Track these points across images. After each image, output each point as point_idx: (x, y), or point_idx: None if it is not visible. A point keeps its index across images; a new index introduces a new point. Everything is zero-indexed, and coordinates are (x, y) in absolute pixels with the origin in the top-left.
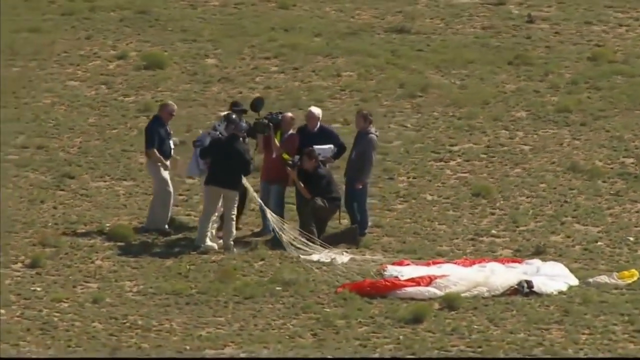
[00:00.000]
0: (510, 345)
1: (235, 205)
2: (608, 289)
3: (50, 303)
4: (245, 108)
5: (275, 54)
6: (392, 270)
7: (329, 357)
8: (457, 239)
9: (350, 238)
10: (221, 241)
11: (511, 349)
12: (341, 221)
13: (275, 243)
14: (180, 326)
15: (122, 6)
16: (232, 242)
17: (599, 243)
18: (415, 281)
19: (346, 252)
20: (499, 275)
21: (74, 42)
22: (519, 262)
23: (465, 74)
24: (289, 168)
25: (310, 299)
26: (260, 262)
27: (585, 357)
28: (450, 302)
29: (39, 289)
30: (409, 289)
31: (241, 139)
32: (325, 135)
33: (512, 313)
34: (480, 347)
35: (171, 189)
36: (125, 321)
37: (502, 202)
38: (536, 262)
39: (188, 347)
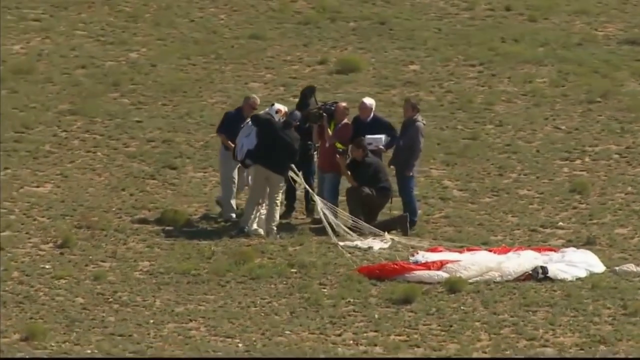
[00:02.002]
0: (483, 325)
1: (281, 191)
2: (631, 277)
3: (50, 280)
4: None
5: (483, 61)
6: (420, 255)
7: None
8: (518, 230)
9: (400, 225)
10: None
11: (481, 328)
12: (391, 210)
13: (323, 230)
14: (163, 302)
15: (366, 17)
16: (274, 227)
17: None
18: (426, 265)
19: (393, 239)
20: (512, 260)
21: (287, 48)
22: (555, 251)
23: None
24: (338, 155)
25: (316, 280)
26: (298, 247)
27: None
28: (452, 285)
29: (48, 266)
30: (418, 273)
31: (293, 128)
32: (378, 125)
33: (511, 297)
34: (451, 326)
35: (235, 179)
36: (110, 297)
37: (595, 197)
38: (569, 250)
39: (152, 321)
